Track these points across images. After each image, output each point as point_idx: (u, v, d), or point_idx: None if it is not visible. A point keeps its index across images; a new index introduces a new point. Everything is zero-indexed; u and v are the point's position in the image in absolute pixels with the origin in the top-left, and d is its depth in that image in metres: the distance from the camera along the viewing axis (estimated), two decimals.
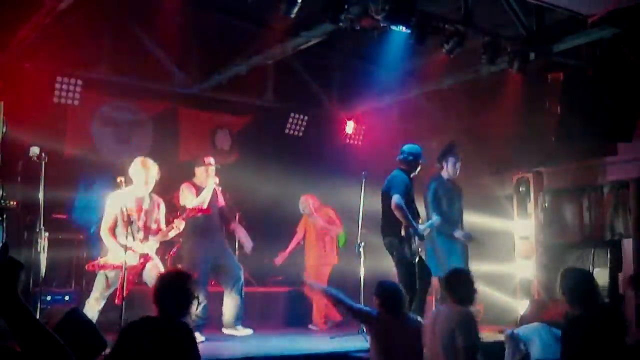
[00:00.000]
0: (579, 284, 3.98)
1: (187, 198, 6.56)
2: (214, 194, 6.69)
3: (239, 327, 6.71)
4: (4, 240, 5.92)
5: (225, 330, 6.74)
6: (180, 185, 6.78)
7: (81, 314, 5.16)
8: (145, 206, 5.86)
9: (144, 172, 5.81)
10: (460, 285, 4.57)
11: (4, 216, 5.79)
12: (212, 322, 6.82)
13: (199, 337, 5.36)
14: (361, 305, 5.24)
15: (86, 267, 5.81)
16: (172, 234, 5.96)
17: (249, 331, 6.72)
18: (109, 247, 5.64)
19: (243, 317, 6.80)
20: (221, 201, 6.91)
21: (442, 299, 5.66)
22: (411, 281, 6.01)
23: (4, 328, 1.82)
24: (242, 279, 6.83)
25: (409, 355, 4.44)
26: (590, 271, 7.78)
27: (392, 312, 4.49)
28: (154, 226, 5.88)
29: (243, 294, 6.78)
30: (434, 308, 6.48)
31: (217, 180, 6.66)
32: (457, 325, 4.35)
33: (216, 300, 6.87)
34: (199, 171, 6.74)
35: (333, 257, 8.25)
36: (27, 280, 5.93)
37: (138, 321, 3.52)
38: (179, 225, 5.86)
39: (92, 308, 5.60)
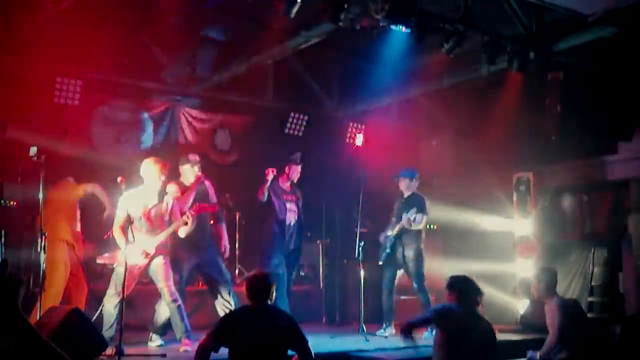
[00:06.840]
0: None
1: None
2: (205, 190, 6.61)
3: None
4: (3, 242, 5.94)
5: None
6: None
7: (81, 314, 5.16)
8: (156, 205, 5.91)
9: (155, 171, 5.87)
10: None
11: (4, 216, 5.80)
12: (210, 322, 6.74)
13: None
14: (434, 308, 4.98)
15: (97, 259, 5.89)
16: (182, 231, 5.96)
17: None
18: (119, 244, 5.71)
19: None
20: (212, 197, 6.72)
21: None
22: None
23: None
24: (231, 286, 6.55)
25: (484, 349, 4.38)
26: (590, 270, 7.81)
27: (467, 305, 4.45)
28: (163, 224, 5.91)
29: (236, 299, 6.42)
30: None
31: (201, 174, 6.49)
32: None
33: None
34: (185, 169, 6.60)
35: None
36: (27, 281, 5.93)
37: None
38: (188, 220, 5.88)
39: (108, 305, 5.65)
